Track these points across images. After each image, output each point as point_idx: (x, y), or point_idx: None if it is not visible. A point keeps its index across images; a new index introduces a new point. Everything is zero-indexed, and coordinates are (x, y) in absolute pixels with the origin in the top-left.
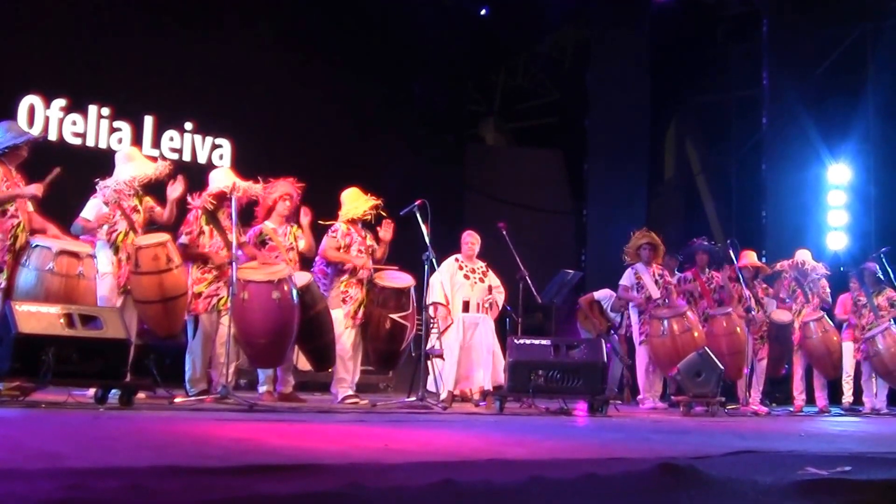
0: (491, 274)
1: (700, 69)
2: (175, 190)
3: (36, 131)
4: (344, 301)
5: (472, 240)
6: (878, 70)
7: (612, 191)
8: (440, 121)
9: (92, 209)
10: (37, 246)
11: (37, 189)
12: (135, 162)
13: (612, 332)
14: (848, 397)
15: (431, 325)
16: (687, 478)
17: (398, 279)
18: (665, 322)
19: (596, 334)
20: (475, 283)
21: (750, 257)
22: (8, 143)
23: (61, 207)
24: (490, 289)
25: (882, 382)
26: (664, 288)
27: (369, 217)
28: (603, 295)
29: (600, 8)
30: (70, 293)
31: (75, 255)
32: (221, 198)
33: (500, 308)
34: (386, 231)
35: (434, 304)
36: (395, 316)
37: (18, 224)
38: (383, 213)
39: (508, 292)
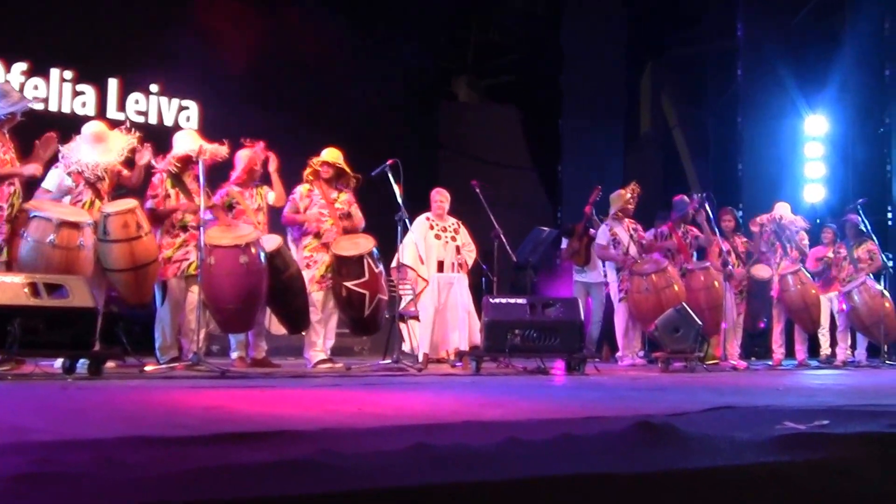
0: (463, 231)
1: (675, 22)
2: (143, 157)
3: (30, 94)
4: (308, 266)
5: (440, 198)
6: (854, 19)
7: (588, 146)
8: (412, 79)
9: (54, 179)
10: (35, 216)
11: (36, 169)
12: (103, 144)
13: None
14: (825, 350)
15: (404, 287)
16: (664, 435)
17: (353, 246)
18: (647, 277)
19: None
20: (447, 241)
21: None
22: (5, 110)
23: None
24: (458, 249)
25: (862, 335)
26: (639, 243)
27: (329, 176)
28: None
29: None
30: (71, 266)
31: (76, 225)
32: (187, 161)
33: (470, 267)
34: (355, 215)
35: (403, 266)
36: (349, 284)
37: (14, 192)
38: (356, 177)
39: (483, 251)
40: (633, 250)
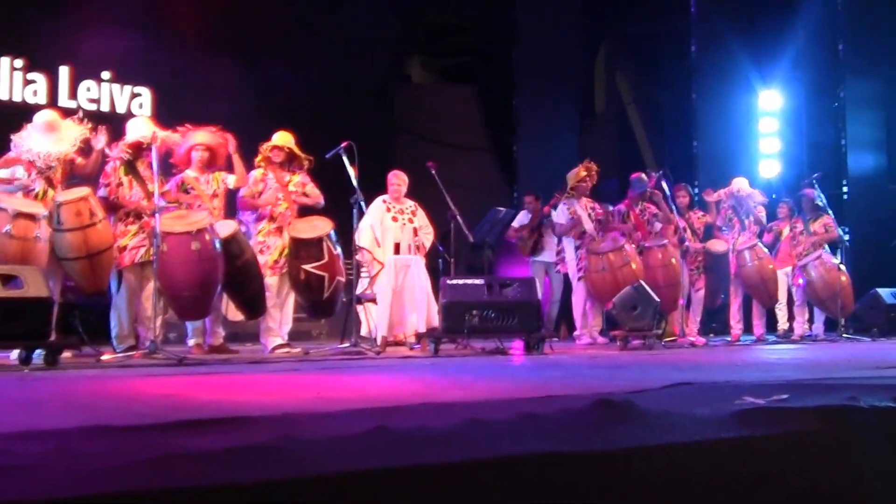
0: (420, 213)
1: None
2: (98, 141)
3: None
4: (262, 251)
5: (397, 181)
6: None
7: (543, 125)
8: (366, 61)
9: (6, 171)
10: None
11: None
12: (55, 133)
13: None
14: (783, 325)
15: (361, 270)
16: (624, 413)
17: (311, 228)
18: (604, 256)
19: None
20: (404, 224)
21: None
22: None
23: None
24: (416, 231)
25: (819, 309)
26: (597, 221)
27: (280, 160)
28: (520, 219)
29: None
30: (27, 256)
31: (32, 217)
32: (140, 148)
33: (428, 249)
34: (310, 191)
35: (360, 248)
36: (307, 267)
37: None
38: (307, 160)
39: (441, 233)
40: (589, 228)
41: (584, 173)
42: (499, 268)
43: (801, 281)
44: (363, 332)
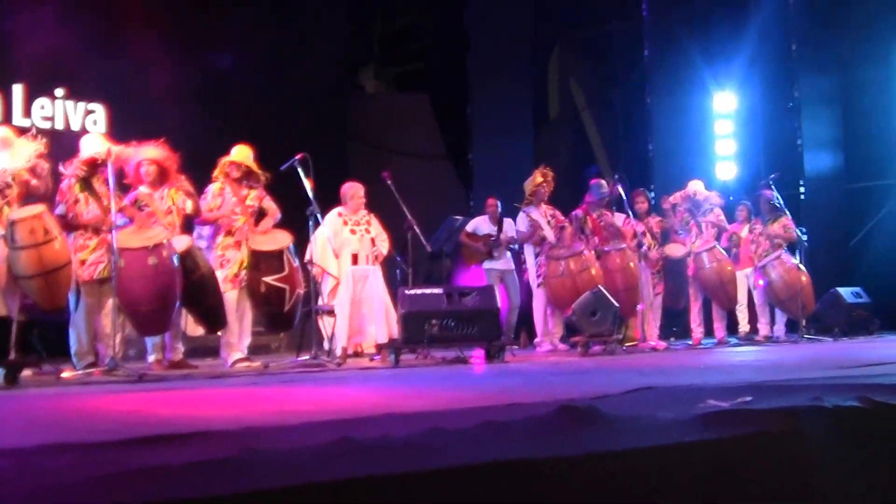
0: (375, 223)
1: (580, 3)
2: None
3: None
4: (222, 265)
5: (361, 193)
6: None
7: (498, 132)
8: (319, 71)
9: None
10: None
11: None
12: (9, 150)
13: (493, 245)
14: (744, 327)
15: (318, 283)
16: (587, 418)
17: (271, 241)
18: (563, 262)
19: (479, 260)
20: (362, 235)
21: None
22: None
23: None
24: (373, 241)
25: (780, 310)
26: (557, 228)
27: (238, 175)
28: (475, 223)
29: None
30: None
31: None
32: (95, 164)
33: (385, 257)
34: (270, 215)
35: (312, 263)
36: (268, 279)
37: None
38: (265, 175)
39: (397, 242)
40: (549, 235)
41: (539, 179)
42: (456, 276)
43: (761, 282)
44: (321, 343)
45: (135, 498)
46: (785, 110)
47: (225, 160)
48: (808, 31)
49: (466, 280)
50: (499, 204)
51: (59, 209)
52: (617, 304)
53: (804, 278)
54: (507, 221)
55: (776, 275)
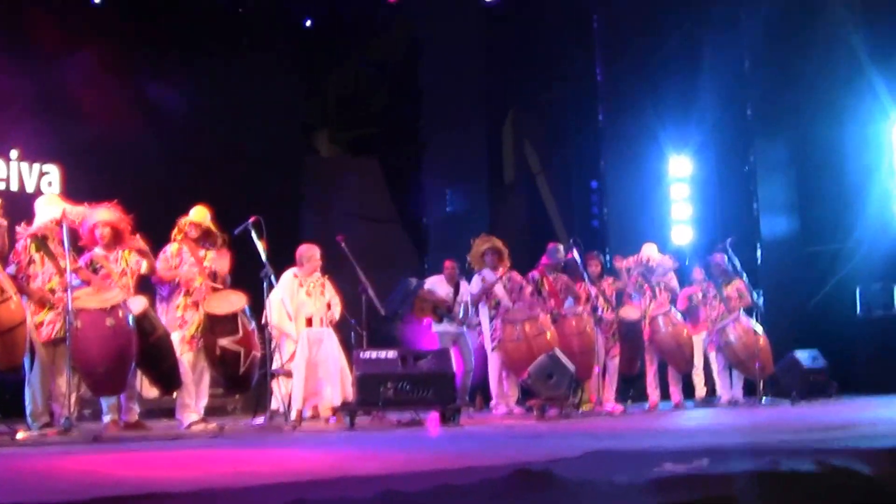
0: (328, 286)
1: (534, 67)
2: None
3: None
4: (180, 326)
5: (317, 255)
6: (714, 59)
7: (452, 197)
8: (273, 135)
9: None
10: None
11: None
12: None
13: (445, 313)
14: (700, 391)
15: (273, 345)
16: (542, 482)
17: (225, 303)
18: (518, 325)
19: (433, 315)
20: (317, 297)
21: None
22: None
23: None
24: (328, 304)
25: (738, 373)
26: (514, 289)
27: (196, 235)
28: (432, 282)
29: (430, 8)
30: None
31: None
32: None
33: (337, 320)
34: (220, 262)
35: (269, 324)
36: (223, 342)
37: None
38: (221, 236)
39: (351, 305)
40: (504, 299)
41: (483, 247)
42: (409, 339)
43: (714, 346)
44: (276, 405)
45: None
46: (741, 174)
47: (184, 220)
48: (764, 95)
49: (419, 342)
50: (457, 267)
51: (11, 268)
52: (573, 368)
53: (762, 341)
54: (464, 284)
55: (734, 336)
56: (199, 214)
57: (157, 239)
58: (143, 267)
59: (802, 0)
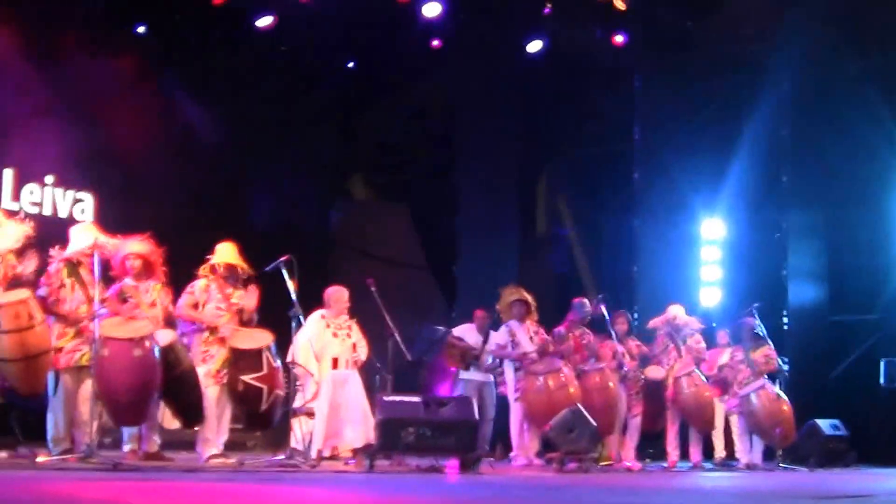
0: (355, 329)
1: (571, 123)
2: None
3: None
4: (205, 360)
5: (345, 297)
6: (751, 124)
7: (483, 247)
8: (307, 175)
9: None
10: None
11: None
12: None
13: (473, 361)
14: (720, 452)
15: (297, 384)
16: None
17: (251, 339)
18: (541, 378)
19: (461, 362)
20: (343, 339)
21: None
22: None
23: None
24: (354, 346)
25: (758, 437)
26: (541, 343)
27: (222, 271)
28: (462, 330)
29: (469, 59)
30: None
31: None
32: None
33: (363, 363)
34: (247, 299)
35: (295, 363)
36: (246, 378)
37: None
38: (250, 274)
39: (377, 349)
40: (529, 350)
41: (510, 298)
42: (434, 386)
43: (737, 411)
44: (297, 444)
45: None
46: (772, 240)
47: (214, 260)
48: (800, 165)
49: (443, 390)
50: (488, 317)
51: (42, 290)
52: (594, 423)
53: (786, 408)
54: (493, 335)
55: (759, 403)
56: (228, 252)
57: (187, 274)
58: (167, 302)
59: (836, 75)
